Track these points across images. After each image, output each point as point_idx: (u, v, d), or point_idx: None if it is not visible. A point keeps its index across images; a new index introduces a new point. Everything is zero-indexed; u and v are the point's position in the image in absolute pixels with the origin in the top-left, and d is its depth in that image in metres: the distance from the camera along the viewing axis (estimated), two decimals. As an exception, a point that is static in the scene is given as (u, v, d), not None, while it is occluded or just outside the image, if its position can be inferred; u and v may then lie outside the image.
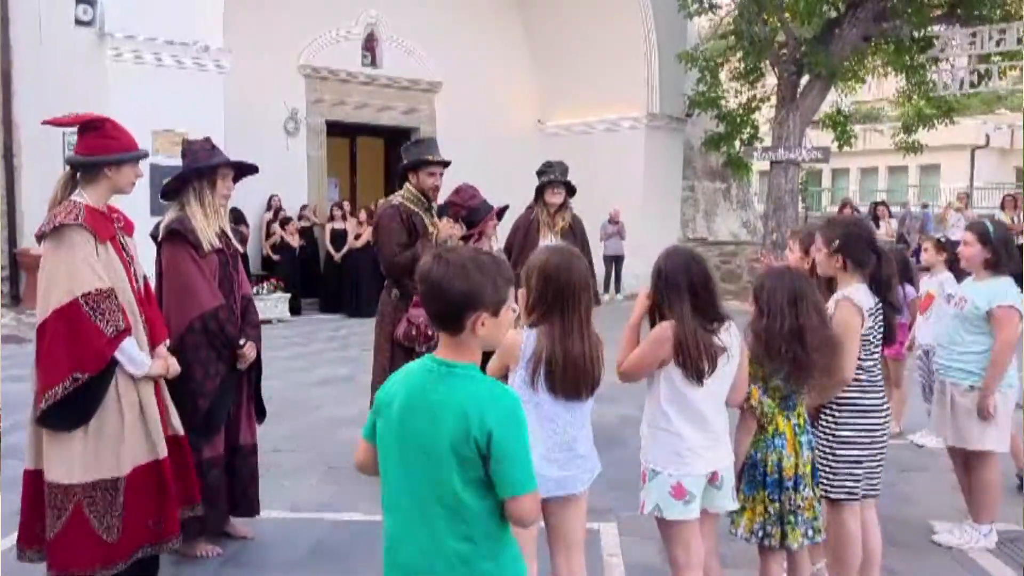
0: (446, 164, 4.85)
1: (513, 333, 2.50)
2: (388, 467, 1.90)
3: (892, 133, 16.50)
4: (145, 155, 3.25)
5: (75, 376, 2.94)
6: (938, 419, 4.06)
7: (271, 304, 11.33)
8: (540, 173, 5.96)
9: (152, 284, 3.43)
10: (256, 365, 3.74)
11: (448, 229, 4.72)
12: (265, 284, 11.51)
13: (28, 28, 10.76)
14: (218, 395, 3.52)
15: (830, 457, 3.09)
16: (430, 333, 4.39)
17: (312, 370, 8.37)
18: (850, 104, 16.18)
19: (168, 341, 3.31)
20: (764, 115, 15.49)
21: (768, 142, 14.80)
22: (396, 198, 4.80)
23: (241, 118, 11.90)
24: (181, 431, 3.30)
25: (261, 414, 3.88)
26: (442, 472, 1.82)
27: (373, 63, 14.90)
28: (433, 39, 14.99)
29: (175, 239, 3.49)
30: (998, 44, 12.86)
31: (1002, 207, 13.78)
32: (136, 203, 3.59)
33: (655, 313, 2.70)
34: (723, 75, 15.12)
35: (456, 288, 1.82)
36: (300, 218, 13.22)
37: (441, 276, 1.81)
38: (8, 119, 10.98)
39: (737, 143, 15.19)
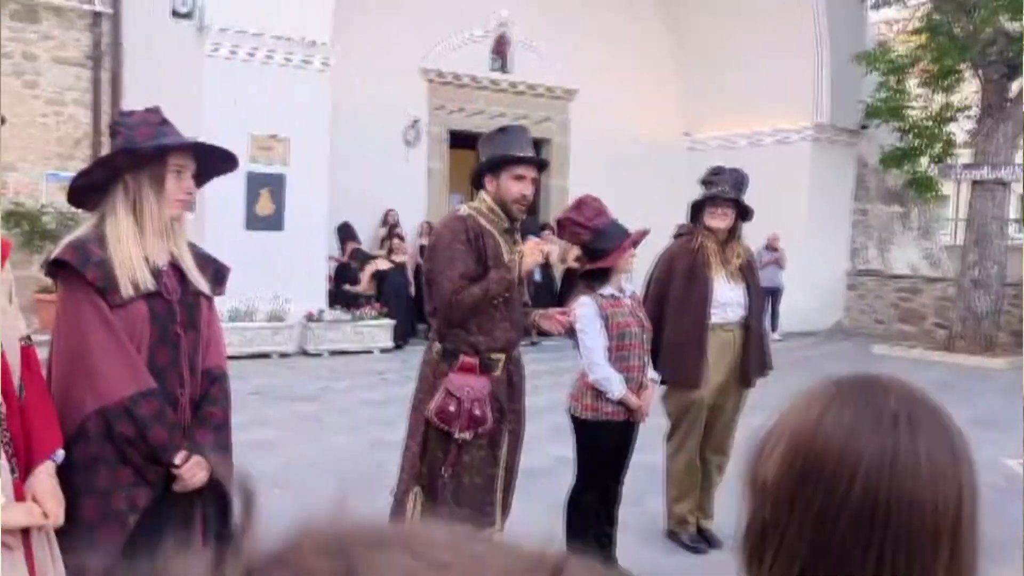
0: (541, 165, 3.36)
1: None
2: None
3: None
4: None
5: None
6: None
7: (372, 333, 10.15)
8: (705, 183, 4.12)
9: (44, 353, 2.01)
10: (218, 493, 2.16)
11: (534, 256, 3.19)
12: (367, 309, 10.29)
13: (137, 25, 10.08)
14: (131, 547, 2.04)
15: None
16: (478, 414, 3.09)
17: (397, 424, 6.93)
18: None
19: (59, 456, 1.90)
20: (959, 127, 13.02)
21: (965, 159, 12.36)
22: (465, 208, 3.30)
23: (353, 124, 10.85)
24: None
25: None
26: None
27: (503, 68, 13.57)
28: (568, 42, 13.51)
29: (68, 278, 2.04)
30: None
31: None
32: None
33: None
34: (911, 81, 12.80)
35: None
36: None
37: None
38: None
39: (924, 160, 12.80)
